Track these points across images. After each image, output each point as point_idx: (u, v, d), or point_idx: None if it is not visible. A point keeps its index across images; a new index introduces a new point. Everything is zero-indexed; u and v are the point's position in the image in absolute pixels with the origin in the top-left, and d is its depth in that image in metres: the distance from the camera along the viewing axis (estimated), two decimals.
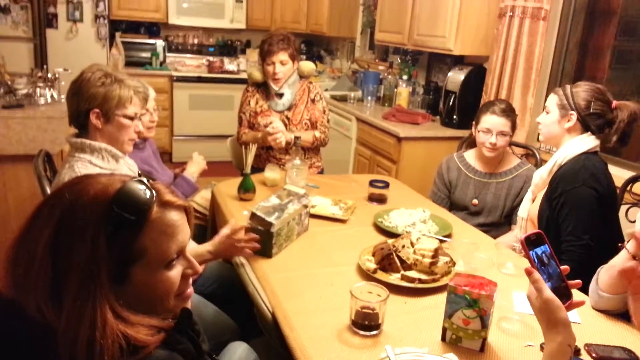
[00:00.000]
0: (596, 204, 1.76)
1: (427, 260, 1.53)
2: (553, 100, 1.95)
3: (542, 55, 2.90)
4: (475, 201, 2.35)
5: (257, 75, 2.73)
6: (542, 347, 1.28)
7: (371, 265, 1.59)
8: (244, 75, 5.48)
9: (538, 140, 2.28)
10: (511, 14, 2.94)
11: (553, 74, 3.03)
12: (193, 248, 1.66)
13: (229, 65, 5.62)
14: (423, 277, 1.52)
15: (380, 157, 3.51)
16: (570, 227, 1.79)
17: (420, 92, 3.98)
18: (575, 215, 1.78)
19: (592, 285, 1.50)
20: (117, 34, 5.21)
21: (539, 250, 0.93)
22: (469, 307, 1.23)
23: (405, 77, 4.00)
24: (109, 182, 0.78)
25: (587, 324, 1.40)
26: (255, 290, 1.52)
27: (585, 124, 1.87)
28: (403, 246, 1.60)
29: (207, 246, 1.67)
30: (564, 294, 0.89)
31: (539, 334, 1.32)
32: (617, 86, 2.95)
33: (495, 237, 2.09)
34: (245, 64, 5.69)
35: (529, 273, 0.91)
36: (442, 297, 1.50)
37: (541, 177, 1.96)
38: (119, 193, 0.75)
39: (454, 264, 1.61)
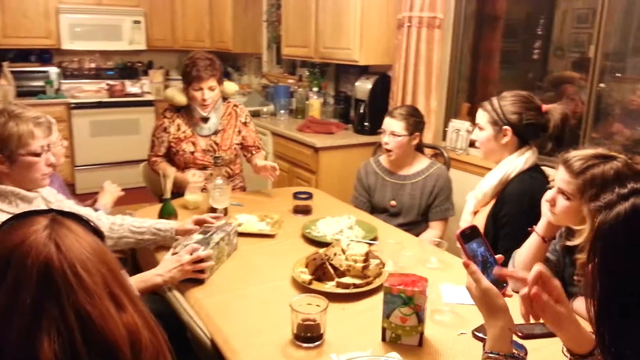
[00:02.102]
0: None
1: (360, 265, 1.57)
2: (483, 117, 1.94)
3: (440, 60, 3.10)
4: (393, 202, 2.45)
5: (181, 99, 2.61)
6: (473, 334, 1.36)
7: (306, 276, 1.60)
8: (149, 97, 5.31)
9: (444, 139, 2.38)
10: (409, 24, 3.12)
11: (451, 77, 3.25)
12: (140, 275, 1.59)
13: (132, 87, 5.41)
14: (357, 281, 1.56)
15: (299, 169, 3.56)
16: (505, 248, 1.77)
17: (331, 102, 4.08)
18: (511, 240, 1.77)
19: (508, 267, 1.63)
20: (5, 64, 4.82)
21: (474, 244, 1.00)
22: (405, 305, 1.28)
23: (315, 89, 4.09)
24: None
25: (511, 306, 1.51)
26: (190, 318, 1.47)
27: (522, 137, 1.90)
28: (335, 254, 1.64)
29: (154, 271, 1.60)
30: (499, 282, 0.96)
31: (469, 322, 1.42)
32: (507, 85, 3.23)
33: (416, 236, 2.20)
34: (149, 86, 5.50)
35: (466, 265, 0.97)
36: (377, 299, 1.55)
37: (484, 194, 1.97)
38: None
39: (384, 264, 1.67)
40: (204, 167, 2.63)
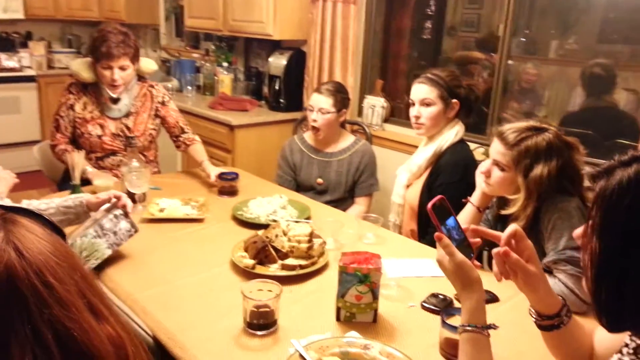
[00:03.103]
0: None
1: (304, 245, 1.53)
2: (432, 92, 1.95)
3: (356, 36, 3.10)
4: (320, 180, 2.43)
5: (88, 76, 2.30)
6: (422, 306, 1.39)
7: (248, 261, 1.52)
8: (29, 72, 4.74)
9: (360, 120, 2.34)
10: None
11: (365, 54, 3.27)
12: None
13: (8, 61, 4.77)
14: (302, 262, 1.52)
15: (213, 148, 3.39)
16: None
17: (242, 78, 3.93)
18: None
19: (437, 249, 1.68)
20: None
21: (445, 216, 0.99)
22: (361, 283, 1.27)
23: (225, 64, 3.90)
24: None
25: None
26: (125, 315, 1.33)
27: (463, 110, 1.99)
28: (276, 236, 1.58)
29: None
30: (468, 254, 0.97)
31: (415, 294, 1.45)
32: (415, 61, 3.34)
33: (342, 212, 2.20)
34: (30, 59, 4.90)
35: (439, 239, 0.96)
36: (322, 278, 1.53)
37: (419, 166, 2.03)
38: None
39: (325, 243, 1.64)
40: (112, 153, 2.39)
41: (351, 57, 3.09)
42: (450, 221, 0.99)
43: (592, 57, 2.49)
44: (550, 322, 0.98)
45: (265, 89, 3.63)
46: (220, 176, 2.20)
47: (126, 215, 1.57)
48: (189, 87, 3.95)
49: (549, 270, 1.39)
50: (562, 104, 2.74)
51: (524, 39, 2.77)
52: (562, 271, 1.37)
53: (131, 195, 1.98)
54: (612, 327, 0.77)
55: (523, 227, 1.42)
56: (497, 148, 1.48)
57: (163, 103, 2.46)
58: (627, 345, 0.87)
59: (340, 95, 2.38)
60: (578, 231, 0.80)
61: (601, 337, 1.03)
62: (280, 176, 2.51)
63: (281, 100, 3.41)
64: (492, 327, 0.93)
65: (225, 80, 3.78)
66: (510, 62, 2.65)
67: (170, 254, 1.65)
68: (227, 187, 2.18)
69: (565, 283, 1.35)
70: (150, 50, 5.07)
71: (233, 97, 3.68)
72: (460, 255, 0.94)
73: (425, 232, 1.99)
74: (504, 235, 0.96)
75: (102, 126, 2.35)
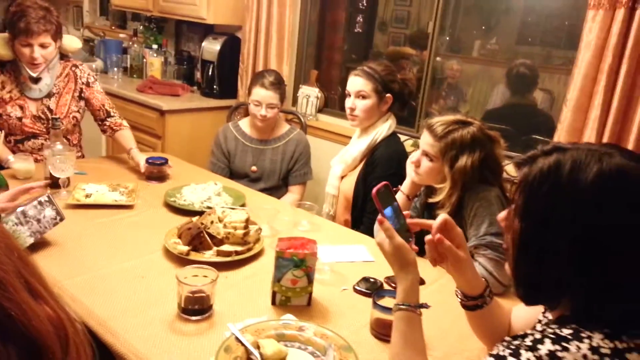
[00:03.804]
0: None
1: (240, 232, 1.54)
2: (367, 85, 2.00)
3: (291, 25, 3.11)
4: (254, 168, 2.43)
5: (5, 53, 2.13)
6: (354, 289, 1.45)
7: (182, 247, 1.51)
8: None
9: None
10: None
11: (300, 44, 3.29)
12: None
13: None
14: (238, 248, 1.52)
15: (141, 133, 3.27)
16: (374, 208, 1.91)
17: (172, 62, 3.81)
18: None
19: (375, 225, 1.75)
20: None
21: (387, 202, 1.04)
22: (297, 268, 1.30)
23: (154, 46, 3.76)
24: None
25: (383, 260, 1.63)
26: None
27: (396, 102, 2.05)
28: (212, 222, 1.57)
29: None
30: (407, 238, 1.02)
31: (348, 278, 1.50)
32: (349, 53, 3.41)
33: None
34: None
35: (381, 222, 1.01)
36: (258, 264, 1.55)
37: (353, 158, 2.08)
38: None
39: (261, 230, 1.66)
40: (33, 136, 2.24)
41: (287, 46, 3.09)
42: (391, 207, 1.04)
43: (512, 58, 2.67)
44: (475, 302, 1.07)
45: (198, 75, 3.55)
46: (148, 161, 2.14)
47: (52, 202, 1.49)
48: (115, 69, 3.78)
49: (470, 255, 1.49)
50: (483, 100, 2.92)
51: (448, 38, 2.92)
52: (483, 255, 1.47)
53: (54, 180, 1.89)
54: (529, 300, 0.85)
55: (448, 214, 1.53)
56: (426, 140, 1.57)
57: (88, 84, 2.33)
58: (540, 321, 0.96)
59: (282, 86, 2.41)
60: (502, 214, 0.88)
61: (517, 316, 1.14)
62: (213, 163, 2.48)
63: (215, 87, 3.35)
64: (425, 306, 0.99)
65: (154, 63, 3.65)
66: (438, 59, 2.78)
67: (98, 241, 1.59)
68: (155, 172, 2.13)
69: (485, 266, 1.46)
70: (73, 28, 4.77)
71: (163, 81, 3.56)
72: (399, 239, 0.99)
73: (359, 222, 2.05)
74: (435, 223, 1.02)
75: (22, 107, 2.19)
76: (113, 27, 4.35)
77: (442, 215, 1.02)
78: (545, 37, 2.62)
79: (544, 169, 0.78)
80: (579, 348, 0.70)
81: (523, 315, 1.12)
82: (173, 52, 3.90)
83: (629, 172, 0.75)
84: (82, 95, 2.32)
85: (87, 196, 1.87)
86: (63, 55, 2.31)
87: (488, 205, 1.50)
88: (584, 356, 0.69)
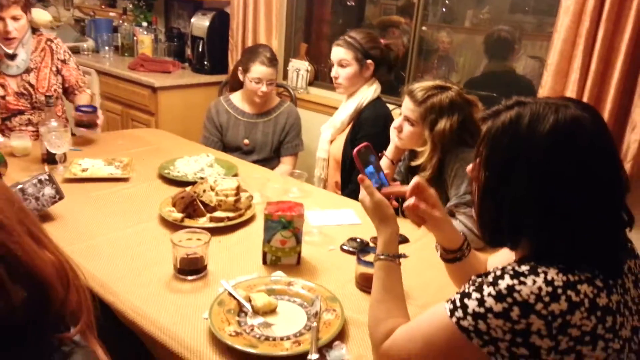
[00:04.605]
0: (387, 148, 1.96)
1: (232, 199, 1.61)
2: (347, 54, 2.10)
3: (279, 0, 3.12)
4: (246, 141, 2.49)
5: None
6: (341, 248, 1.53)
7: (177, 214, 1.58)
8: None
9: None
10: None
11: (289, 17, 3.31)
12: None
13: None
14: (230, 214, 1.60)
15: (135, 111, 3.32)
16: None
17: (163, 39, 3.83)
18: None
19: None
20: None
21: (367, 161, 1.10)
22: (285, 229, 1.37)
23: (144, 23, 3.77)
24: None
25: (369, 222, 1.70)
26: None
27: (378, 70, 2.12)
28: (204, 191, 1.64)
29: None
30: (387, 195, 1.09)
31: (335, 239, 1.58)
32: (339, 27, 3.43)
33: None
34: None
35: (361, 180, 1.07)
36: (250, 229, 1.62)
37: (341, 122, 2.17)
38: None
39: (252, 197, 1.73)
40: (19, 112, 2.29)
41: (275, 20, 3.11)
42: (372, 166, 1.11)
43: (496, 26, 2.70)
44: (454, 255, 1.14)
45: (189, 51, 3.58)
46: (78, 109, 2.19)
47: (52, 181, 1.55)
48: (106, 48, 3.79)
49: (452, 213, 1.57)
50: (473, 69, 2.96)
51: (443, 9, 2.94)
52: (463, 213, 1.55)
53: (51, 156, 1.95)
54: (493, 242, 0.93)
55: (430, 176, 1.60)
56: (407, 105, 1.63)
57: (64, 61, 2.40)
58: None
59: (276, 62, 2.45)
60: (469, 166, 0.95)
61: (493, 264, 1.21)
62: (206, 137, 2.53)
63: (205, 63, 3.38)
64: (403, 256, 1.07)
65: (145, 41, 3.67)
66: (424, 28, 2.80)
67: (96, 212, 1.66)
68: (84, 120, 2.17)
69: (465, 224, 1.54)
70: (62, 8, 4.75)
71: (154, 58, 3.58)
72: (378, 195, 1.06)
73: (348, 182, 2.15)
74: (408, 188, 1.09)
75: (2, 86, 2.25)
76: (103, 6, 4.34)
77: (414, 180, 1.09)
78: (538, 6, 2.65)
79: (505, 121, 0.84)
80: (534, 281, 0.77)
81: (497, 262, 1.20)
82: (163, 29, 3.91)
83: (582, 121, 0.81)
84: (59, 71, 2.38)
85: (83, 170, 1.94)
86: (34, 30, 2.36)
87: (467, 167, 1.56)
88: (539, 288, 0.76)
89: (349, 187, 2.09)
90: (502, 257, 1.19)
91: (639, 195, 0.83)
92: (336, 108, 2.56)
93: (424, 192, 1.09)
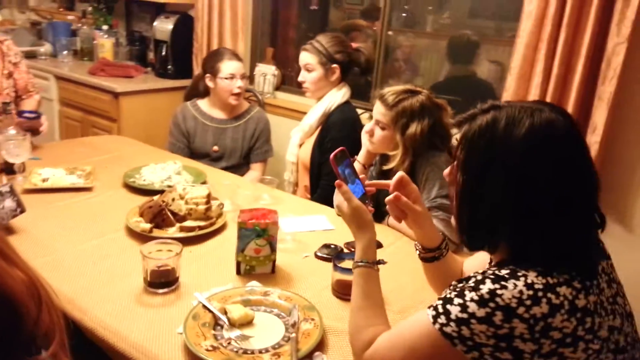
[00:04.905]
0: (353, 153, 1.91)
1: (203, 207, 1.57)
2: (312, 59, 2.10)
3: (245, 2, 3.09)
4: (215, 147, 2.45)
5: None
6: (315, 255, 1.51)
7: (145, 225, 1.53)
8: None
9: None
10: None
11: (255, 21, 3.28)
12: None
13: None
14: (201, 223, 1.56)
15: (96, 117, 3.21)
16: (328, 170, 2.02)
17: (124, 43, 3.72)
18: None
19: (335, 195, 1.81)
20: None
21: (343, 166, 1.09)
22: (259, 237, 1.34)
23: (104, 27, 3.66)
24: None
25: (343, 228, 1.69)
26: None
27: (345, 74, 2.12)
28: (173, 199, 1.59)
29: None
30: (363, 200, 1.08)
31: (308, 246, 1.56)
32: (303, 30, 3.42)
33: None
34: None
35: (339, 186, 1.06)
36: (222, 237, 1.59)
37: (310, 126, 2.17)
38: None
39: (223, 205, 1.69)
40: None
41: (241, 23, 3.08)
42: (348, 170, 1.10)
43: (463, 32, 2.75)
44: (432, 254, 1.15)
45: (151, 55, 3.49)
46: (21, 115, 2.11)
47: (13, 193, 1.47)
48: (65, 52, 3.66)
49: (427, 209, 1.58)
50: (435, 74, 3.01)
51: (404, 14, 2.97)
52: (435, 217, 1.56)
53: (9, 166, 1.86)
54: (472, 245, 0.93)
55: None
56: (378, 109, 1.63)
57: (16, 64, 2.30)
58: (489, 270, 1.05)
59: (242, 60, 2.44)
60: (447, 170, 0.95)
61: (468, 267, 1.22)
62: (172, 143, 2.47)
63: (169, 67, 3.30)
64: (381, 262, 1.06)
65: (105, 45, 3.56)
66: (390, 32, 2.83)
67: (59, 224, 1.59)
68: (27, 125, 2.06)
69: (437, 227, 1.54)
70: (16, 11, 4.56)
71: (116, 62, 3.48)
72: (356, 201, 1.05)
73: (316, 187, 2.13)
74: (392, 181, 1.09)
75: None
76: (61, 9, 4.19)
77: (399, 174, 1.09)
78: (497, 11, 2.71)
79: (482, 125, 0.85)
80: (515, 285, 0.78)
81: (473, 266, 1.21)
82: (124, 32, 3.80)
83: (557, 125, 0.83)
84: (11, 75, 2.29)
85: (44, 180, 1.85)
86: None
87: (438, 170, 1.58)
88: (520, 292, 0.77)
89: (317, 192, 2.08)
90: (478, 260, 1.20)
91: (601, 196, 0.86)
92: (304, 112, 2.55)
93: (406, 186, 1.09)
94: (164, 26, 3.25)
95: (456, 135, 0.93)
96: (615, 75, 1.86)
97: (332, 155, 1.07)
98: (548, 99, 2.03)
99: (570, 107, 1.99)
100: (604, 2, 1.86)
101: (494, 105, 0.87)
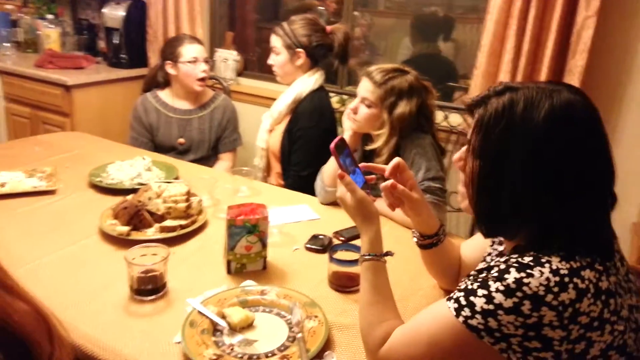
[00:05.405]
0: (323, 142, 1.92)
1: (183, 205, 1.49)
2: (278, 42, 2.01)
3: None
4: (181, 140, 2.33)
5: None
6: (306, 247, 1.46)
7: (122, 228, 1.43)
8: None
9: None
10: None
11: (212, 5, 3.14)
12: None
13: None
14: (182, 222, 1.47)
15: (46, 113, 3.01)
16: (298, 160, 1.98)
17: (71, 32, 3.49)
18: (303, 152, 1.97)
19: (317, 184, 1.77)
20: None
21: (344, 155, 1.04)
22: (250, 233, 1.28)
23: (48, 16, 3.41)
24: None
25: (327, 217, 1.66)
26: None
27: (314, 58, 2.02)
28: (149, 198, 1.50)
29: None
30: (366, 189, 1.04)
31: (297, 238, 1.51)
32: (260, 12, 3.32)
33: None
34: None
35: (341, 177, 1.01)
36: (204, 235, 1.51)
37: (279, 112, 2.06)
38: None
39: (203, 201, 1.61)
40: None
41: (198, 7, 2.94)
42: (349, 160, 1.05)
43: (417, 10, 2.72)
44: (430, 240, 1.12)
45: (102, 44, 3.29)
46: None
47: None
48: (6, 44, 3.39)
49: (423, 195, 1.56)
50: (395, 53, 2.99)
51: None
52: None
53: None
54: (490, 233, 0.91)
55: (385, 162, 1.57)
56: (365, 86, 1.58)
57: None
58: (490, 254, 1.03)
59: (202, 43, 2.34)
60: (456, 155, 0.92)
61: (466, 251, 1.21)
62: (134, 138, 2.34)
63: (122, 56, 3.12)
64: (389, 254, 1.03)
65: (51, 35, 3.32)
66: (356, 13, 2.77)
67: (25, 231, 1.47)
68: None
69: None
70: None
71: (64, 53, 3.26)
72: (360, 192, 1.01)
73: (288, 173, 2.06)
74: (388, 167, 1.04)
75: None
76: None
77: (395, 159, 1.05)
78: None
79: (498, 108, 0.81)
80: (541, 273, 0.75)
81: (471, 248, 1.20)
82: (71, 21, 3.56)
83: (577, 105, 0.80)
84: None
85: (2, 185, 1.71)
86: None
87: (424, 153, 1.56)
88: (547, 279, 0.75)
89: (287, 182, 2.02)
90: (476, 243, 1.19)
91: None
92: (270, 98, 2.47)
93: (402, 172, 1.05)
94: (114, 13, 3.06)
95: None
96: (586, 48, 1.89)
97: (332, 145, 1.01)
98: (519, 76, 2.05)
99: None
100: None
101: (508, 87, 0.83)
